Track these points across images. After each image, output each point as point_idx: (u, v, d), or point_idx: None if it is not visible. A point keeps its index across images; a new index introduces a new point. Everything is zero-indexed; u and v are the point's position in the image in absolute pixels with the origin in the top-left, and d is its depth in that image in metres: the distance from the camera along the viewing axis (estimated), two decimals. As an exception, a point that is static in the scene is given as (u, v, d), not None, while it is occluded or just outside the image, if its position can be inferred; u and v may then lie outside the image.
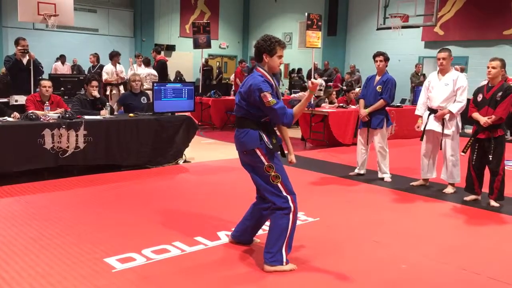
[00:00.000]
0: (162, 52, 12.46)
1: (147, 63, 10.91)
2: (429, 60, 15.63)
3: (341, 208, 5.06)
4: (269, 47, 3.29)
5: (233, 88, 13.32)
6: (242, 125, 3.37)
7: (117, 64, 10.09)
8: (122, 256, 3.48)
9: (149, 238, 3.86)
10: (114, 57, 10.09)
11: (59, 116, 5.80)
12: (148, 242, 3.76)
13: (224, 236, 3.98)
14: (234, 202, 5.11)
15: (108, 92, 9.81)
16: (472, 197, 5.33)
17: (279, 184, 3.31)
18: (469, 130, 10.60)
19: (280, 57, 3.33)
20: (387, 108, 6.29)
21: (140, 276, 3.21)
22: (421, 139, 5.83)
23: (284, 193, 3.31)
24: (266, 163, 3.30)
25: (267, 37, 3.33)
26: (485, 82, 5.32)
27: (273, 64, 3.33)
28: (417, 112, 5.95)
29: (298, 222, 4.32)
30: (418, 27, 13.77)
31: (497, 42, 13.87)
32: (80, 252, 3.57)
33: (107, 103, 6.62)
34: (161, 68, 11.26)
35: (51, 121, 5.62)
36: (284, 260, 3.32)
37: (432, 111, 5.68)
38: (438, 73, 5.69)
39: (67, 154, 5.68)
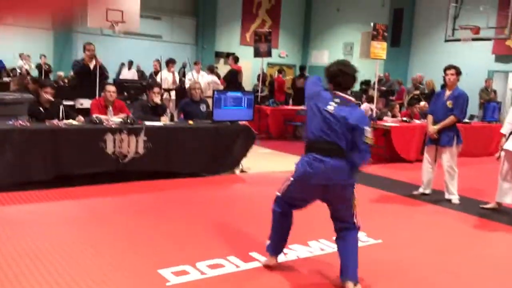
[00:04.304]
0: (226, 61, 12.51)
1: (211, 70, 11.08)
2: (499, 75, 14.80)
3: (405, 230, 4.75)
4: None
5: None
6: (339, 155, 3.10)
7: (172, 72, 10.49)
8: (177, 269, 3.39)
9: (204, 251, 3.76)
10: (169, 63, 10.50)
11: (121, 121, 5.87)
12: (202, 255, 3.65)
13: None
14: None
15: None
16: (553, 226, 4.86)
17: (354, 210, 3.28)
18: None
19: None
20: (454, 124, 5.90)
21: (194, 291, 3.11)
22: (498, 158, 5.44)
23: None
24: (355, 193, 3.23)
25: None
26: None
27: None
28: (501, 130, 5.51)
29: (360, 244, 4.11)
30: (489, 39, 13.06)
31: None
32: (135, 261, 3.52)
33: (168, 110, 6.65)
34: (230, 76, 11.30)
35: (113, 126, 5.69)
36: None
37: None
38: None
39: (127, 160, 5.72)
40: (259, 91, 12.53)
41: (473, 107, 12.57)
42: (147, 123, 6.03)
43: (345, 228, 3.26)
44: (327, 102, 3.13)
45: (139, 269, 3.38)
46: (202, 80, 10.46)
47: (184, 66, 14.89)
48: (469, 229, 4.91)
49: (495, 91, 13.37)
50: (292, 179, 3.26)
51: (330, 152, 3.08)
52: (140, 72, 15.11)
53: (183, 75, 12.97)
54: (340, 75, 3.17)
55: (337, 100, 3.13)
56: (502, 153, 5.45)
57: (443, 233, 4.71)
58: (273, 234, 3.49)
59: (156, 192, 5.59)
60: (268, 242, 3.51)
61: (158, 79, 10.49)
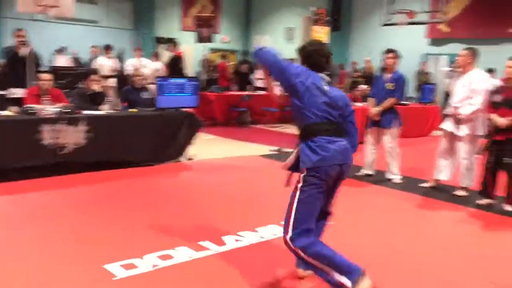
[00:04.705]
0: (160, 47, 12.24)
1: (157, 57, 10.95)
2: (433, 58, 15.41)
3: (351, 211, 4.85)
4: None
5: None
6: (344, 135, 2.92)
7: (110, 58, 10.51)
8: (124, 262, 3.27)
9: (152, 242, 3.66)
10: (107, 49, 10.47)
11: (59, 110, 5.58)
12: (151, 247, 3.55)
13: (231, 241, 3.78)
14: (240, 204, 4.92)
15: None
16: (486, 201, 5.13)
17: None
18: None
19: None
20: (394, 106, 6.08)
21: (143, 285, 3.02)
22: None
23: None
24: None
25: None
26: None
27: None
28: (445, 111, 5.74)
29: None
30: (425, 23, 13.55)
31: (503, 41, 13.62)
32: (80, 257, 3.37)
33: (108, 98, 6.40)
34: (172, 63, 11.06)
35: (49, 116, 5.40)
36: None
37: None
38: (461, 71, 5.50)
39: (67, 151, 5.46)
40: (206, 76, 12.35)
41: (410, 90, 13.07)
42: (87, 112, 5.78)
43: (328, 213, 3.13)
44: (321, 82, 2.89)
45: (84, 265, 3.24)
46: (147, 67, 10.23)
47: (121, 52, 14.41)
48: (411, 208, 5.10)
49: (430, 74, 13.95)
50: (300, 185, 2.80)
51: (337, 132, 2.87)
52: (76, 59, 14.47)
53: (120, 61, 12.60)
54: (315, 56, 2.94)
55: (325, 80, 2.94)
56: (441, 132, 5.70)
57: (387, 212, 4.87)
58: (334, 264, 2.74)
59: (100, 183, 5.39)
60: (340, 278, 2.72)
61: (95, 66, 10.17)
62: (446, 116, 5.58)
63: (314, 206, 2.82)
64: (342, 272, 2.70)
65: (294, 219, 2.77)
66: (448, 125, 5.49)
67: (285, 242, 2.79)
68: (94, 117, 5.72)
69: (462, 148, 5.41)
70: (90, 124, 5.61)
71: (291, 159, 2.98)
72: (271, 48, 2.97)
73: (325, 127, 2.84)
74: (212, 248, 3.61)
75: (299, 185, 2.81)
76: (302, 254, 2.75)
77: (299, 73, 2.86)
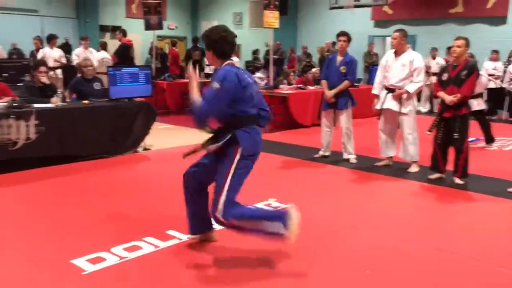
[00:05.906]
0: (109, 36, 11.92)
1: (104, 47, 10.67)
2: (378, 39, 15.83)
3: (312, 192, 4.98)
4: None
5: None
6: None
7: (55, 48, 10.23)
8: (91, 256, 3.23)
9: (118, 235, 3.62)
10: (52, 39, 10.08)
11: (6, 105, 5.34)
12: (117, 239, 3.52)
13: (198, 228, 3.79)
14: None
15: None
16: (437, 175, 5.40)
17: None
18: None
19: None
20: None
21: (114, 277, 2.99)
22: (379, 118, 5.86)
23: None
24: None
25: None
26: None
27: None
28: (373, 91, 5.93)
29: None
30: (369, 6, 13.87)
31: (444, 21, 14.20)
32: (44, 254, 3.29)
33: (59, 90, 6.18)
34: (121, 52, 10.76)
35: (-3, 111, 5.17)
36: None
37: (389, 90, 5.67)
38: (394, 52, 5.67)
39: (18, 146, 5.25)
40: (156, 64, 12.09)
41: (358, 71, 13.37)
42: (37, 105, 5.57)
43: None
44: (244, 75, 3.05)
45: (50, 262, 3.17)
46: (93, 57, 9.92)
47: (67, 42, 13.91)
48: (368, 185, 5.30)
49: (376, 55, 14.32)
50: (237, 159, 3.02)
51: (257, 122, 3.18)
52: (17, 51, 13.81)
53: (66, 52, 12.14)
54: (221, 43, 3.04)
55: (242, 69, 3.13)
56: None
57: (346, 193, 5.03)
58: (264, 216, 3.10)
59: (56, 178, 5.23)
60: (273, 227, 2.99)
61: (40, 57, 9.79)
62: (386, 95, 5.74)
63: (243, 181, 3.05)
64: (272, 219, 2.96)
65: (227, 192, 2.97)
66: (391, 104, 5.66)
67: (217, 219, 3.02)
68: (44, 110, 5.52)
69: (406, 124, 5.64)
70: (41, 118, 5.42)
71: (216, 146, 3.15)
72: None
73: (255, 118, 3.13)
74: (180, 237, 3.62)
75: (236, 159, 2.99)
76: (235, 222, 2.98)
77: (236, 83, 2.95)
